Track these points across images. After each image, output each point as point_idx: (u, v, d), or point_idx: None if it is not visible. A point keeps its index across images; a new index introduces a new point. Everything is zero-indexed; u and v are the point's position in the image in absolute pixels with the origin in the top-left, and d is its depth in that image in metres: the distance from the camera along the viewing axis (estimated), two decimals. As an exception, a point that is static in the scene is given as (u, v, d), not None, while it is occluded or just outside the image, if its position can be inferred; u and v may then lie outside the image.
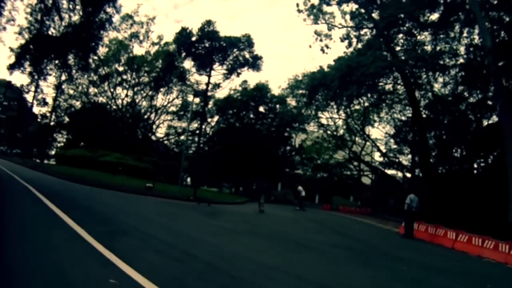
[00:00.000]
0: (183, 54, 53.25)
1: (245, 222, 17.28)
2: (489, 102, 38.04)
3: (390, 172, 53.53)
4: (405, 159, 51.10)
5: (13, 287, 4.62)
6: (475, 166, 43.48)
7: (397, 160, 51.55)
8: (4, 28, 26.23)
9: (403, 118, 48.49)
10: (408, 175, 48.23)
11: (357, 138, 53.72)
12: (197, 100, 51.86)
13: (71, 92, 64.30)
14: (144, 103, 65.16)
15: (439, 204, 36.99)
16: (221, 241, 10.57)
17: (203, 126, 55.39)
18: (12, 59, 32.68)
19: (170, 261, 7.31)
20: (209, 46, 50.61)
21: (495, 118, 37.49)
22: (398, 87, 43.58)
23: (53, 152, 72.34)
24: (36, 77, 50.76)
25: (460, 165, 43.39)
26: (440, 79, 42.31)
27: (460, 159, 43.57)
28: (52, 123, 67.28)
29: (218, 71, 57.42)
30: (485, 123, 41.12)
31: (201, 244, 9.40)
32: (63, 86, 63.00)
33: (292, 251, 10.70)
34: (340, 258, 10.44)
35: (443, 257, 14.23)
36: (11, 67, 35.48)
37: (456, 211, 33.08)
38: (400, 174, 53.52)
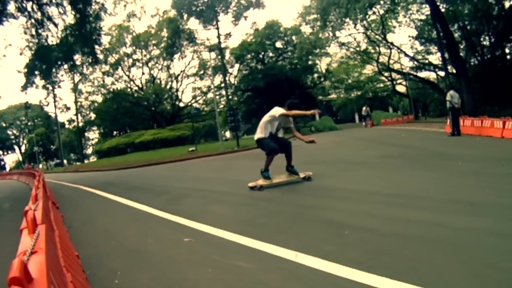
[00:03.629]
0: (185, 15, 52.36)
1: (296, 155, 17.34)
2: None
3: (423, 74, 52.58)
4: (434, 59, 49.95)
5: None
6: (507, 51, 42.32)
7: (426, 61, 50.45)
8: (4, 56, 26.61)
9: (422, 17, 47.05)
10: (442, 73, 47.17)
11: (381, 49, 52.22)
12: (213, 55, 51.57)
13: (90, 89, 64.97)
14: (163, 75, 65.32)
15: (479, 97, 36.31)
16: None
17: (227, 79, 55.00)
18: (23, 80, 33.28)
19: (237, 208, 7.53)
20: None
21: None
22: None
23: (90, 151, 73.75)
24: (50, 88, 51.68)
25: (492, 53, 42.24)
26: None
27: (490, 47, 42.42)
28: (81, 124, 68.36)
29: (225, 22, 56.81)
30: (507, 5, 39.57)
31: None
32: (79, 87, 63.90)
33: (347, 170, 10.75)
34: (395, 167, 10.44)
35: (494, 147, 13.97)
36: (24, 88, 36.35)
37: (498, 101, 32.44)
38: (433, 74, 52.43)
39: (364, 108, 40.82)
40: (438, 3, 38.96)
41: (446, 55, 38.09)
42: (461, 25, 42.30)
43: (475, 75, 41.64)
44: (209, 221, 6.16)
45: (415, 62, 50.10)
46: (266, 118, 9.52)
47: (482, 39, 43.52)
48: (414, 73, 50.86)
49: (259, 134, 9.54)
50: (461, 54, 41.61)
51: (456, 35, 42.75)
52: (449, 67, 40.79)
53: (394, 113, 57.56)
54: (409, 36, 51.49)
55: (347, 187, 8.14)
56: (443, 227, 4.60)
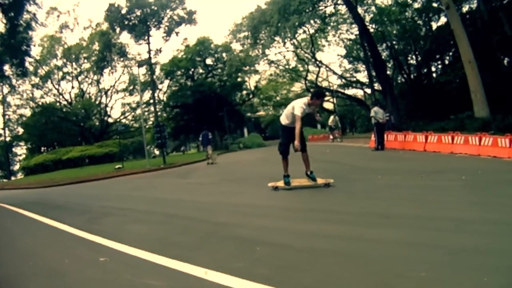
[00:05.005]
0: (118, 29, 51.52)
1: (218, 173, 17.53)
2: (434, 4, 38.33)
3: (350, 92, 54.28)
4: (362, 76, 51.92)
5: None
6: (433, 69, 44.36)
7: (354, 79, 52.16)
8: None
9: (351, 37, 48.94)
10: (368, 91, 48.86)
11: (310, 67, 53.85)
12: (143, 70, 51.01)
13: (18, 102, 61.83)
14: (92, 90, 63.66)
15: (405, 113, 37.80)
16: (197, 196, 10.90)
17: (156, 94, 54.54)
18: None
19: (153, 226, 7.51)
20: (141, 13, 49.16)
21: (443, 19, 37.87)
22: (340, 7, 43.46)
23: (17, 167, 70.87)
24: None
25: (418, 72, 44.17)
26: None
27: (417, 66, 44.37)
28: (8, 139, 65.28)
29: (156, 37, 56.45)
30: (434, 26, 41.65)
31: (178, 203, 9.65)
32: (8, 99, 60.97)
33: (266, 186, 10.74)
34: None
35: (415, 160, 14.65)
36: None
37: (422, 116, 33.86)
38: (361, 92, 54.25)
39: (332, 118, 37.32)
40: (367, 23, 40.44)
41: (373, 73, 39.51)
42: (389, 45, 44.03)
43: (401, 92, 43.44)
44: (126, 240, 6.12)
45: (343, 80, 51.69)
46: (291, 109, 9.55)
47: (409, 58, 45.52)
48: (342, 91, 52.40)
49: (285, 120, 9.85)
50: (388, 72, 43.33)
51: (384, 54, 44.61)
52: (376, 85, 42.28)
53: (322, 129, 58.84)
54: (338, 55, 53.26)
55: (264, 203, 8.42)
56: (356, 240, 4.74)
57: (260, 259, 4.45)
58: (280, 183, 9.48)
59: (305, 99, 9.49)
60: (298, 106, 9.26)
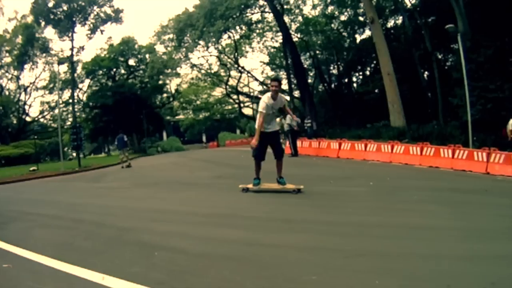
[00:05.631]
0: (42, 23, 49.63)
1: (130, 177, 17.31)
2: (361, 18, 39.60)
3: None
4: (283, 84, 52.48)
5: None
6: (354, 79, 45.82)
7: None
8: None
9: (276, 44, 49.51)
10: (288, 98, 49.68)
11: (232, 72, 54.38)
12: (65, 68, 49.42)
13: None
14: (12, 86, 60.19)
15: (323, 120, 38.75)
16: (107, 200, 10.69)
17: (76, 94, 52.98)
18: None
19: (59, 231, 7.32)
20: (68, 8, 47.64)
21: (368, 32, 39.15)
22: (266, 15, 44.13)
23: None
24: None
25: (339, 81, 45.46)
26: (309, 2, 43.48)
27: (338, 76, 45.63)
28: None
29: (80, 33, 54.89)
30: (359, 38, 43.10)
31: (88, 208, 9.36)
32: None
33: (177, 191, 11.04)
34: (224, 187, 10.94)
35: (326, 166, 15.15)
36: None
37: (340, 124, 34.90)
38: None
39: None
40: (292, 32, 41.17)
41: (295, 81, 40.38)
42: (312, 54, 44.93)
43: (321, 100, 44.50)
44: (30, 246, 5.92)
45: (265, 87, 52.16)
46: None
47: (331, 68, 46.65)
48: (261, 97, 52.82)
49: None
50: (310, 80, 44.27)
51: (307, 63, 45.45)
52: (296, 92, 43.09)
53: (241, 134, 59.32)
54: (261, 62, 53.65)
55: (172, 208, 8.44)
56: (254, 245, 4.89)
57: (157, 264, 4.50)
58: (250, 185, 9.32)
59: (268, 93, 8.91)
60: (260, 102, 8.81)
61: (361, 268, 3.93)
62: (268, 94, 8.75)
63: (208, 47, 48.59)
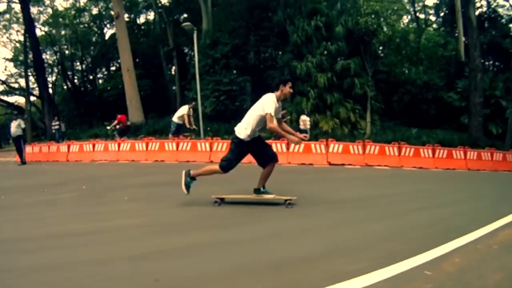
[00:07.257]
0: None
1: None
2: (112, 12, 39.01)
3: (13, 99, 50.24)
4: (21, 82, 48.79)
5: None
6: (99, 76, 45.16)
7: (17, 85, 48.84)
8: None
9: (22, 38, 45.80)
10: (33, 98, 46.25)
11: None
12: None
13: None
14: None
15: (67, 119, 37.48)
16: None
17: None
18: None
19: None
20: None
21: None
22: (14, 5, 40.73)
23: None
24: None
25: (86, 78, 44.33)
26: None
27: (84, 72, 44.33)
28: None
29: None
30: (108, 33, 42.49)
31: None
32: None
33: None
34: None
35: (53, 172, 14.65)
36: None
37: (81, 122, 34.26)
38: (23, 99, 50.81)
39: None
40: (39, 26, 38.84)
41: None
42: (57, 49, 42.81)
43: (64, 99, 42.77)
44: None
45: (6, 86, 47.78)
46: (258, 111, 7.13)
47: (78, 63, 44.93)
48: (3, 98, 48.12)
49: (244, 130, 7.14)
50: (54, 78, 42.22)
51: (53, 59, 43.16)
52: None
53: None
54: (4, 58, 49.10)
55: None
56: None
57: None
58: (225, 196, 7.37)
59: (273, 94, 7.22)
60: (267, 103, 7.00)
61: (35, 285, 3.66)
62: (272, 95, 7.19)
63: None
